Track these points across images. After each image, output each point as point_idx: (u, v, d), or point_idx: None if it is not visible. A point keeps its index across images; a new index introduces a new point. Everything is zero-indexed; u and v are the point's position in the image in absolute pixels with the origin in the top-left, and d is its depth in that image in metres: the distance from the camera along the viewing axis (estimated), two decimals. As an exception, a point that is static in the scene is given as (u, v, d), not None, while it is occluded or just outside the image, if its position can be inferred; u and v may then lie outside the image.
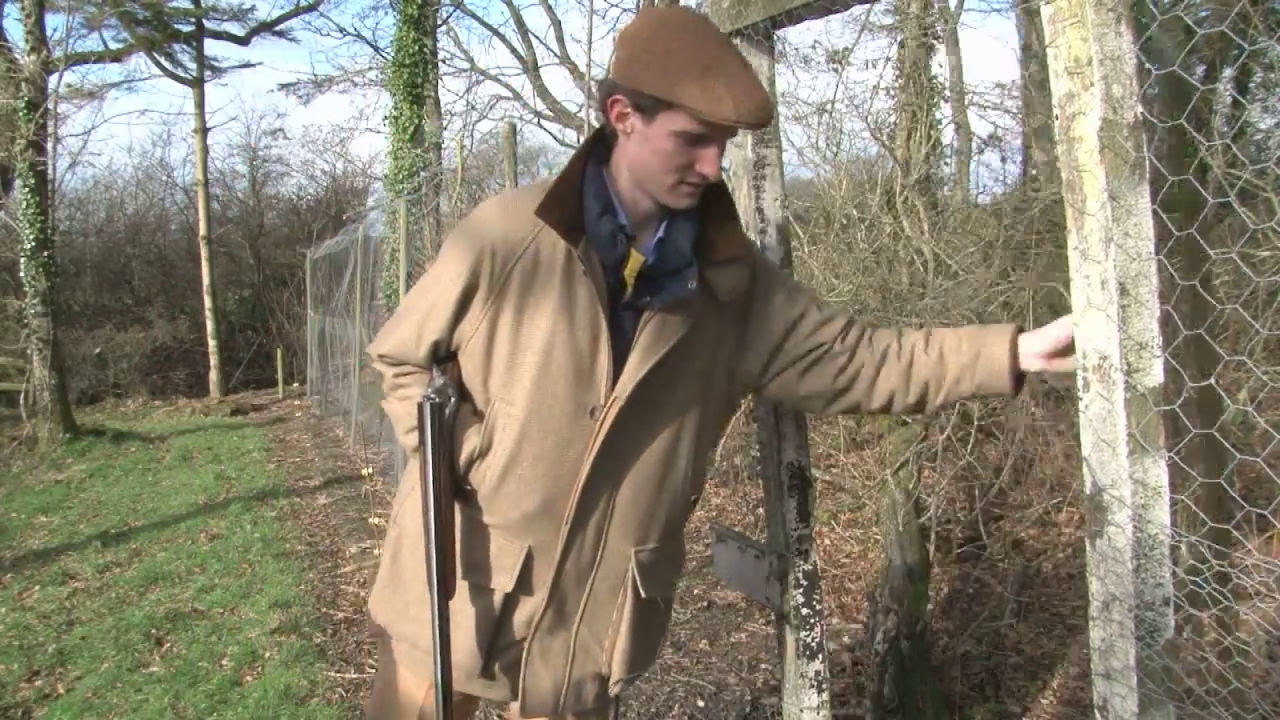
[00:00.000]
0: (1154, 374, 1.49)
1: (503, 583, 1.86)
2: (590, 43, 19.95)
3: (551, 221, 1.73)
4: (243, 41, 20.41)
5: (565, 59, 17.72)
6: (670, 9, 1.80)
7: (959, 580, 4.82)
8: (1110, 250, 1.46)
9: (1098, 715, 1.63)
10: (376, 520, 7.62)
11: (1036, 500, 4.90)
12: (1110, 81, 1.49)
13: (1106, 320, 1.47)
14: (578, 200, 1.76)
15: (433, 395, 1.83)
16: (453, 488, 1.85)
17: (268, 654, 4.94)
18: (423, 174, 12.98)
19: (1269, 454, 2.33)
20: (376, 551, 6.67)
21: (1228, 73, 2.16)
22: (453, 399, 1.85)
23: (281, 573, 6.35)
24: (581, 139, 13.60)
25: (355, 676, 4.64)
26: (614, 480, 1.85)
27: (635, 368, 1.80)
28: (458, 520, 1.87)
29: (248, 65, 24.34)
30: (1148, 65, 1.59)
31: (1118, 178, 1.47)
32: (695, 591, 5.50)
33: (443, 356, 1.89)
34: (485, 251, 1.78)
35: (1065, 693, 4.10)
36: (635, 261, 1.78)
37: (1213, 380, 1.58)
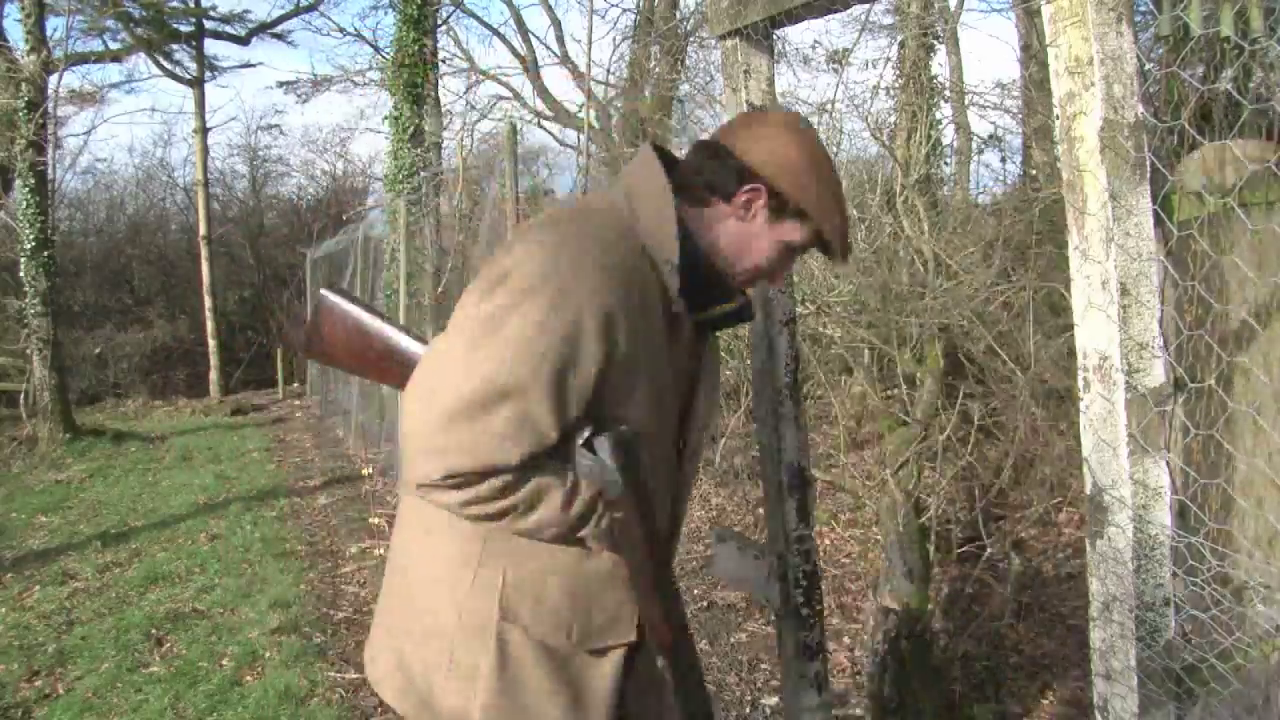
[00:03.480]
0: (1154, 374, 1.49)
1: (627, 634, 1.69)
2: (590, 43, 19.91)
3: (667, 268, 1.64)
4: (243, 42, 20.41)
5: (565, 59, 17.68)
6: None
7: (959, 580, 4.81)
8: (1111, 250, 1.46)
9: (1098, 716, 1.63)
10: (376, 520, 7.62)
11: (1037, 500, 4.89)
12: (1111, 81, 1.49)
13: (1107, 320, 1.47)
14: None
15: (611, 433, 1.55)
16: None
17: (268, 654, 4.94)
18: (423, 174, 12.97)
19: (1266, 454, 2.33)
20: (378, 551, 6.67)
21: (1228, 73, 2.15)
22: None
23: (282, 573, 6.35)
24: (581, 139, 13.61)
25: (355, 676, 4.63)
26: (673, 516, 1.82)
27: (706, 400, 1.79)
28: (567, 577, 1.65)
29: (248, 65, 24.38)
30: (1148, 65, 1.59)
31: (1118, 178, 1.47)
32: (695, 591, 5.50)
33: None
34: (609, 318, 1.51)
35: (1066, 693, 4.10)
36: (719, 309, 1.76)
37: (1211, 381, 1.58)
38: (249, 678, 4.69)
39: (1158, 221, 1.51)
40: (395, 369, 1.76)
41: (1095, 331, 1.50)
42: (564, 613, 1.64)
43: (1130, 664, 1.55)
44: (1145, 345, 1.47)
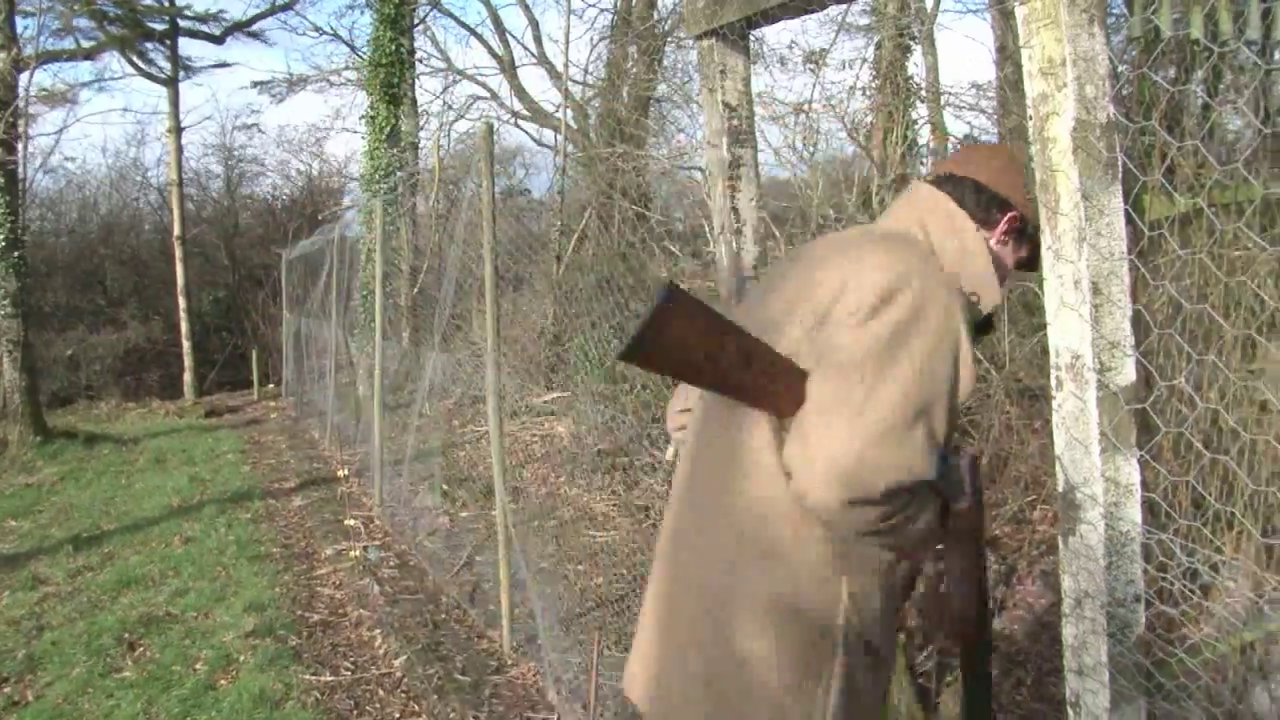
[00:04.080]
0: (1126, 373, 1.50)
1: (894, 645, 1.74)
2: (568, 43, 19.94)
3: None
4: (218, 41, 20.24)
5: (543, 59, 17.68)
6: None
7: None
8: (1083, 250, 1.47)
9: (1070, 711, 1.64)
10: (352, 522, 7.58)
11: (1011, 498, 4.91)
12: (1083, 82, 1.50)
13: (1079, 319, 1.48)
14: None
15: (965, 452, 1.61)
16: None
17: (242, 657, 4.91)
18: (399, 174, 12.94)
19: (1236, 452, 2.35)
20: (353, 553, 6.65)
21: (1198, 74, 2.17)
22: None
23: (256, 575, 6.31)
24: (558, 139, 13.60)
25: (331, 679, 4.61)
26: None
27: None
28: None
29: (223, 65, 24.20)
30: (1120, 67, 1.60)
31: (1090, 178, 1.48)
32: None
33: None
34: (967, 340, 1.53)
35: (1039, 689, 4.12)
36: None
37: (1182, 379, 1.59)
38: (223, 682, 4.66)
39: (1129, 221, 1.53)
40: (752, 379, 1.58)
41: (1067, 330, 1.51)
42: (884, 620, 1.67)
43: (1102, 659, 1.57)
44: (1117, 344, 1.49)
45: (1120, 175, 1.51)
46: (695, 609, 1.72)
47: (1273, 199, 1.90)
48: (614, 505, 7.24)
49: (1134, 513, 1.53)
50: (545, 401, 9.55)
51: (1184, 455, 1.92)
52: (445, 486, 8.01)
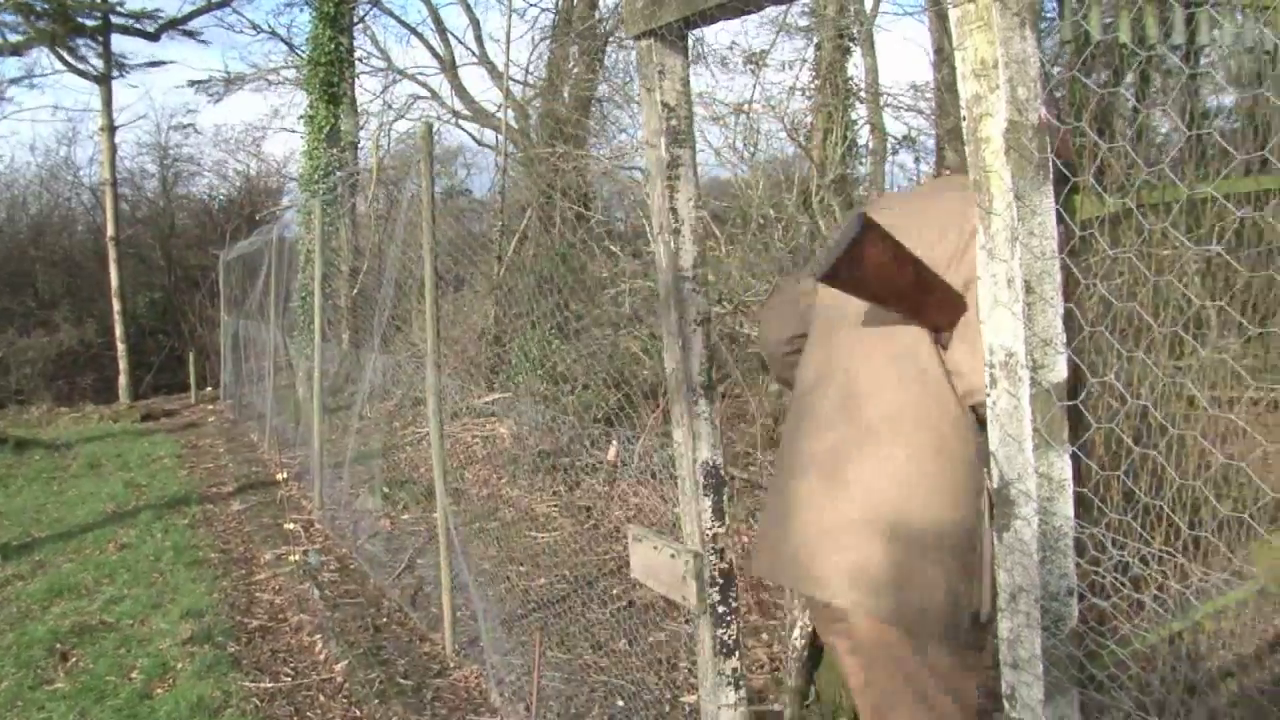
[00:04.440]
0: (1058, 370, 1.52)
1: None
2: (509, 42, 19.85)
3: None
4: (152, 38, 19.87)
5: (484, 59, 17.59)
6: None
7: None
8: (1016, 249, 1.49)
9: (1006, 704, 1.66)
10: (291, 526, 7.50)
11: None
12: (1015, 84, 1.52)
13: (1012, 318, 1.51)
14: None
15: None
16: None
17: (179, 665, 4.83)
18: (338, 174, 12.83)
19: (1164, 446, 2.40)
20: (293, 557, 6.57)
21: (1129, 78, 2.21)
22: None
23: (194, 581, 6.22)
24: (500, 139, 13.56)
25: (271, 686, 4.56)
26: None
27: None
28: None
29: (158, 63, 23.74)
30: (1055, 69, 1.63)
31: (1023, 178, 1.51)
32: (615, 591, 5.51)
33: None
34: None
35: (981, 681, 4.17)
36: None
37: (1111, 376, 1.63)
38: (159, 690, 4.58)
39: (1060, 221, 1.55)
40: (925, 300, 1.92)
41: (1001, 328, 1.53)
42: None
43: (1036, 652, 1.59)
44: (1049, 341, 1.51)
45: (1051, 176, 1.53)
46: (875, 499, 1.99)
47: (1198, 199, 1.94)
48: (555, 506, 7.24)
49: (1066, 508, 1.56)
50: (486, 402, 9.53)
51: (1115, 450, 1.96)
52: (386, 489, 7.96)
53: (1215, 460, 2.16)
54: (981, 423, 1.73)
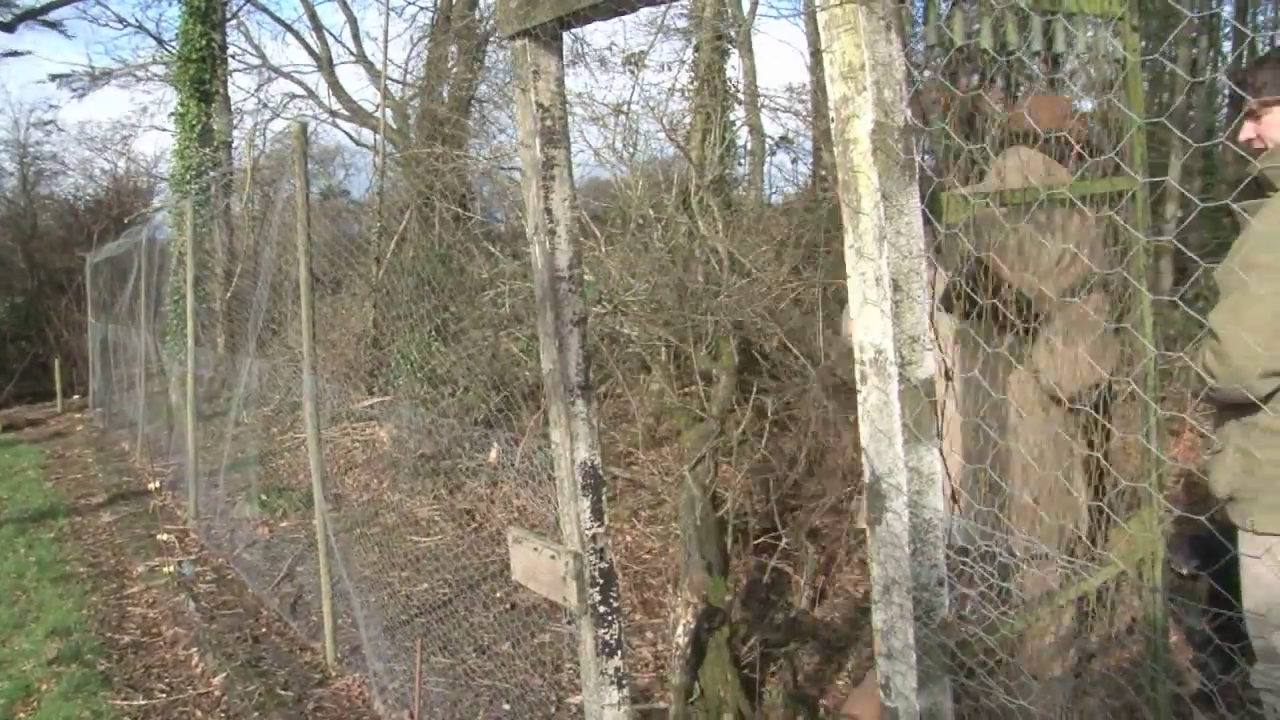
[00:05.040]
0: (925, 366, 1.56)
1: None
2: (386, 41, 19.55)
3: None
4: (7, 28, 18.96)
5: (362, 57, 17.28)
6: None
7: (757, 571, 4.95)
8: (884, 248, 1.52)
9: (882, 693, 1.69)
10: (165, 536, 7.26)
11: (830, 490, 5.07)
12: (882, 86, 1.55)
13: (881, 315, 1.53)
14: None
15: None
16: None
17: (44, 686, 4.63)
18: (211, 174, 12.48)
19: (1025, 439, 2.49)
20: (167, 569, 6.36)
21: (999, 81, 2.28)
22: None
23: (61, 597, 5.97)
24: (378, 139, 13.32)
25: (144, 703, 4.40)
26: None
27: None
28: None
29: (14, 54, 22.70)
30: (927, 73, 1.66)
31: (889, 178, 1.53)
32: (498, 594, 5.47)
33: None
34: None
35: (858, 673, 4.27)
36: None
37: (975, 372, 1.67)
38: (22, 715, 4.39)
39: (925, 220, 1.59)
40: None
41: (870, 326, 1.56)
42: None
43: (909, 642, 1.62)
44: (916, 338, 1.54)
45: (917, 176, 1.56)
46: None
47: (1056, 199, 2.01)
48: (437, 510, 7.17)
49: (936, 500, 1.59)
50: (366, 406, 9.38)
51: (980, 444, 2.02)
52: (264, 496, 7.78)
53: (1076, 450, 2.24)
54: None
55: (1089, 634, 2.66)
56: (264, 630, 5.34)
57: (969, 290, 2.06)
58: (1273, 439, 2.41)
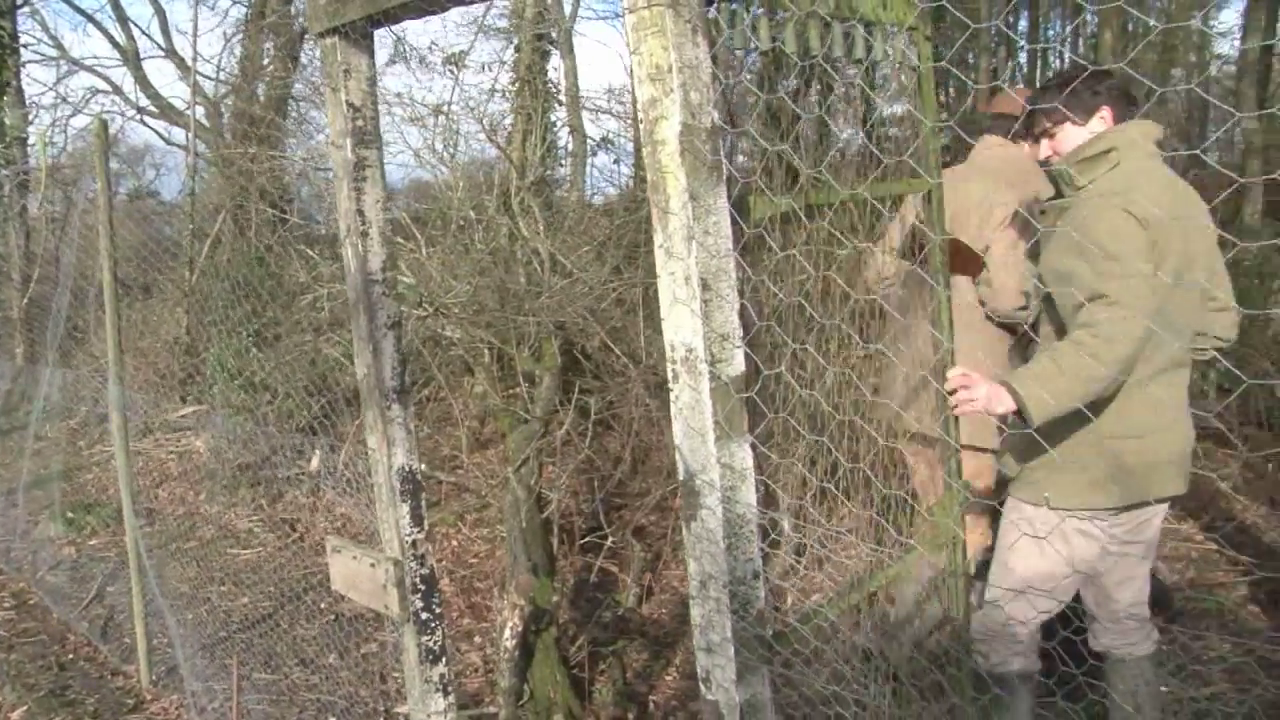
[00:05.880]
0: (736, 363, 1.58)
1: None
2: (196, 35, 18.74)
3: None
4: None
5: (171, 52, 16.49)
6: None
7: (584, 570, 4.96)
8: (692, 248, 1.54)
9: (703, 686, 1.72)
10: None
11: (654, 487, 5.13)
12: (689, 88, 1.57)
13: (691, 314, 1.55)
14: None
15: None
16: None
17: None
18: (4, 172, 11.77)
19: (835, 433, 2.58)
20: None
21: (791, 83, 2.34)
22: None
23: None
24: (189, 137, 12.76)
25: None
26: None
27: None
28: None
29: None
30: (745, 75, 1.68)
31: (697, 179, 1.55)
32: (322, 605, 5.32)
33: None
34: None
35: (686, 667, 4.32)
36: None
37: (782, 368, 1.71)
38: None
39: (734, 220, 1.61)
40: (970, 263, 3.42)
41: (681, 325, 1.57)
42: None
43: (727, 635, 1.65)
44: (726, 336, 1.57)
45: (725, 177, 1.59)
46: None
47: (859, 200, 2.08)
48: (258, 521, 6.94)
49: (749, 495, 1.62)
50: (181, 416, 8.99)
51: (792, 439, 2.08)
52: (70, 514, 7.36)
53: (879, 445, 2.32)
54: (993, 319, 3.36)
55: (899, 618, 2.78)
56: (71, 657, 5.06)
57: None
58: (1071, 416, 2.62)
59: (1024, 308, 3.26)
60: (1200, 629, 4.02)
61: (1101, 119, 2.74)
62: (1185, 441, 2.74)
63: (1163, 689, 3.31)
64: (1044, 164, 2.88)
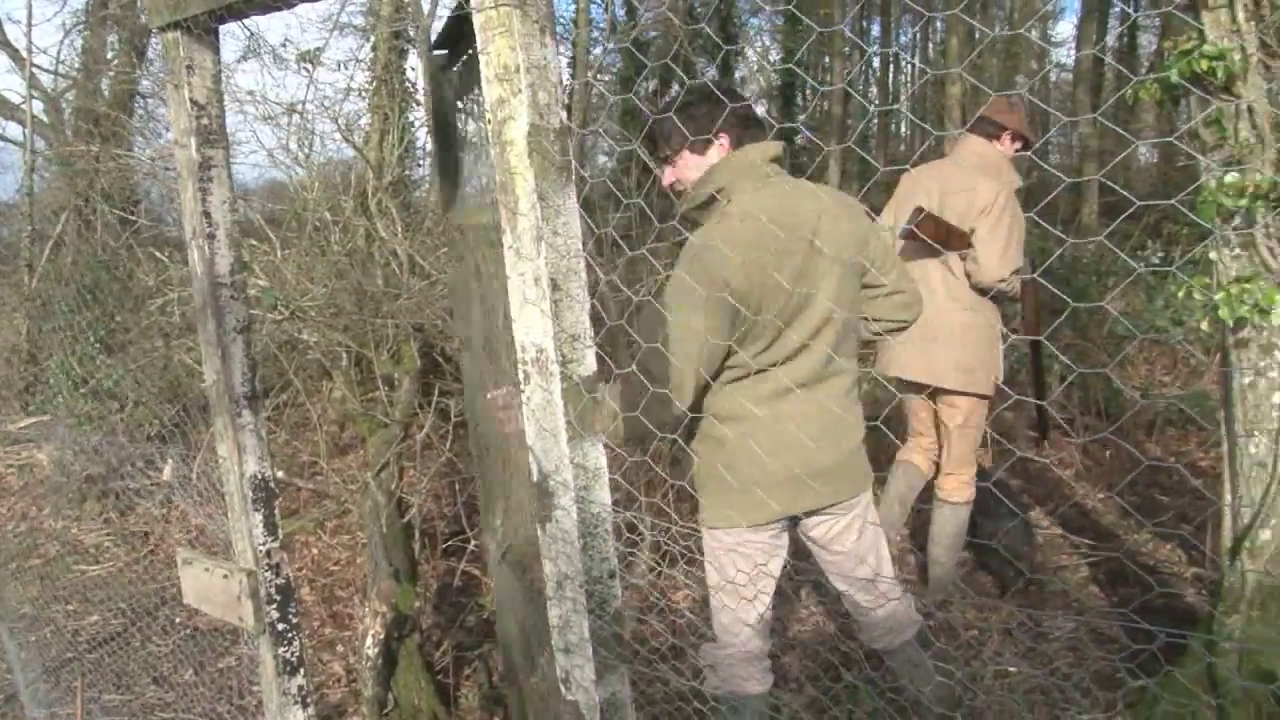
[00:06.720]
0: (587, 363, 1.59)
1: None
2: (30, 24, 17.87)
3: None
4: None
5: (5, 43, 15.70)
6: None
7: (447, 574, 4.91)
8: (542, 248, 1.54)
9: (563, 688, 1.72)
10: None
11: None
12: (537, 89, 1.56)
13: (541, 315, 1.55)
14: None
15: None
16: None
17: None
18: None
19: (685, 432, 2.63)
20: None
21: (653, 85, 2.36)
22: None
23: None
24: (26, 133, 12.16)
25: None
26: None
27: None
28: None
29: None
30: (608, 76, 1.68)
31: (546, 179, 1.55)
32: (177, 620, 5.15)
33: None
34: None
35: (551, 669, 4.31)
36: None
37: (633, 367, 1.72)
38: None
39: (585, 221, 1.62)
40: (954, 240, 4.10)
41: (531, 326, 1.57)
42: None
43: (585, 635, 1.66)
44: (577, 336, 1.57)
45: (574, 177, 1.59)
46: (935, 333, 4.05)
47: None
48: (107, 534, 6.68)
49: (603, 495, 1.63)
50: (21, 428, 8.58)
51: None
52: (-112, 539, 6.95)
53: (727, 441, 2.36)
54: (982, 291, 4.11)
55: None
56: (-106, 690, 4.78)
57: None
58: (705, 443, 2.67)
59: (1004, 280, 3.99)
60: (1044, 609, 4.21)
61: (720, 147, 2.63)
62: (834, 454, 2.68)
63: (1011, 670, 3.46)
64: (671, 189, 2.73)
